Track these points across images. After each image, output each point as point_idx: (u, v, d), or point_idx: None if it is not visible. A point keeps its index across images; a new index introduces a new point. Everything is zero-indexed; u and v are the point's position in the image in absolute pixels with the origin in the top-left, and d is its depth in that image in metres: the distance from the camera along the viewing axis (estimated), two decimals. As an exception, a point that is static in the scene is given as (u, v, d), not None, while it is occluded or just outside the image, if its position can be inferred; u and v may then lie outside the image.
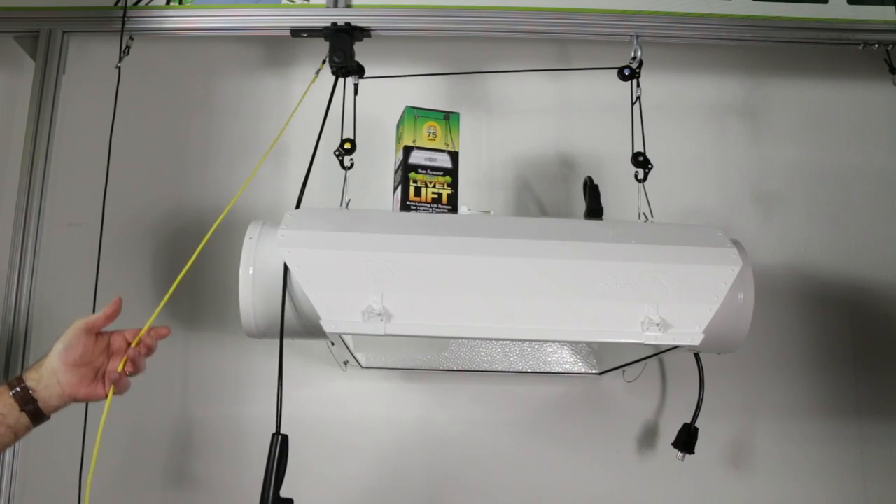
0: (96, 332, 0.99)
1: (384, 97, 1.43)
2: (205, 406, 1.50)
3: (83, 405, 1.33)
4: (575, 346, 1.49)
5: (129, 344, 1.01)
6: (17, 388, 0.95)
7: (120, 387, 0.99)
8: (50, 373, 0.96)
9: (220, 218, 1.17)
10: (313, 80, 1.39)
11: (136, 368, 1.00)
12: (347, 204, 1.32)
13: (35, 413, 0.95)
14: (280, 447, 1.06)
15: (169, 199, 1.58)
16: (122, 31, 1.45)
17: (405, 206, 1.23)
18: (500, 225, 1.19)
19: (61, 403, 0.97)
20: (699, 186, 1.64)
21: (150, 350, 1.02)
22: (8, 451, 1.28)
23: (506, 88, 1.65)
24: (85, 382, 0.97)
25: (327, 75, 1.37)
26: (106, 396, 0.98)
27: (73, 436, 1.34)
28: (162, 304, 1.06)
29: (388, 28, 1.46)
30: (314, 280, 1.04)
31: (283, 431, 1.06)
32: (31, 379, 0.95)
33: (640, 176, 1.36)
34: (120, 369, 0.98)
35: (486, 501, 1.49)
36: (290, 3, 1.48)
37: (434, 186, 1.25)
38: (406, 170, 1.24)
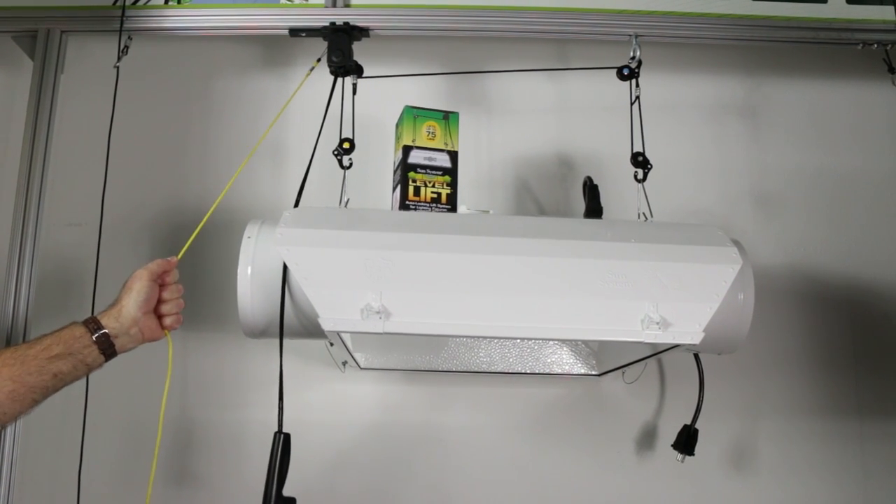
0: (157, 280, 1.10)
1: (383, 97, 1.43)
2: (204, 405, 1.50)
3: (81, 404, 1.34)
4: (574, 346, 1.49)
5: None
6: (99, 333, 1.03)
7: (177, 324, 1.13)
8: (131, 322, 1.06)
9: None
10: (307, 76, 1.39)
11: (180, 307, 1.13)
12: (346, 203, 1.32)
13: (111, 355, 1.05)
14: (282, 445, 1.06)
15: (167, 198, 1.58)
16: (120, 31, 1.45)
17: (404, 206, 1.22)
18: (498, 224, 1.19)
19: (136, 346, 1.08)
20: (699, 186, 1.64)
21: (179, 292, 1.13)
22: (8, 448, 1.29)
23: (505, 88, 1.64)
24: (158, 325, 1.10)
25: (325, 75, 1.37)
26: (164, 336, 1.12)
27: (71, 434, 1.34)
28: (188, 244, 1.14)
29: (386, 27, 1.46)
30: (312, 278, 1.04)
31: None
32: (111, 327, 1.04)
33: (640, 176, 1.36)
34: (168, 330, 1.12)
35: (485, 502, 1.49)
36: (288, 2, 1.48)
37: (433, 186, 1.24)
38: (405, 169, 1.24)
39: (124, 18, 1.45)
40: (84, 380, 1.32)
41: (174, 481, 1.47)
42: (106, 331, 1.04)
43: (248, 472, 1.44)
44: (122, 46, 1.45)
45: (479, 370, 1.50)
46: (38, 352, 1.00)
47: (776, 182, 1.65)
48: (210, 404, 1.50)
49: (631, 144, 1.37)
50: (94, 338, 1.03)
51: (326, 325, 1.01)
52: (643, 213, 1.33)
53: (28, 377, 0.98)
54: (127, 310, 1.05)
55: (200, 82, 1.64)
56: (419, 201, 1.23)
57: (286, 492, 1.05)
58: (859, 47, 1.50)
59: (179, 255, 1.13)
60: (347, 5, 1.46)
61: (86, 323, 1.04)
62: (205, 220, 1.17)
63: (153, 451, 1.46)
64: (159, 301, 1.10)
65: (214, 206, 1.19)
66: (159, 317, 1.11)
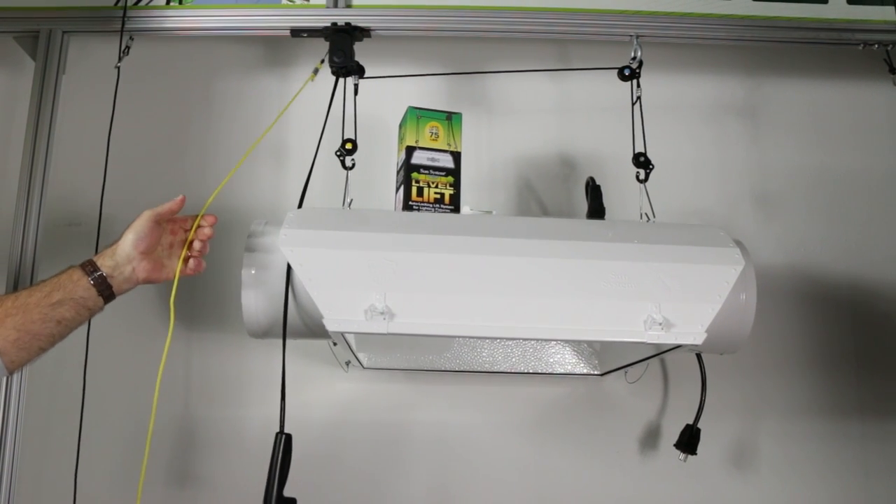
0: (161, 223, 1.10)
1: (385, 97, 1.43)
2: (206, 406, 1.50)
3: (78, 407, 1.34)
4: (577, 346, 1.49)
5: (185, 231, 1.14)
6: (96, 275, 1.04)
7: (199, 267, 1.13)
8: (125, 261, 1.06)
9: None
10: (310, 79, 1.39)
11: (203, 251, 1.13)
12: (349, 204, 1.32)
13: (109, 297, 1.06)
14: (284, 446, 1.06)
15: (168, 198, 1.55)
16: (121, 31, 1.45)
17: (407, 206, 1.22)
18: (502, 224, 1.19)
19: (132, 287, 1.08)
20: (699, 187, 1.64)
21: (209, 237, 1.14)
22: (8, 448, 1.29)
23: (506, 88, 1.64)
24: (157, 268, 1.09)
25: (327, 75, 1.37)
26: (170, 278, 1.11)
27: (69, 434, 1.34)
28: (214, 194, 1.18)
29: (388, 28, 1.46)
30: (317, 279, 1.04)
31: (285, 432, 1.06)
32: (107, 266, 1.05)
33: (642, 176, 1.36)
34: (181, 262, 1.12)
35: (487, 502, 1.49)
36: (289, 2, 1.48)
37: (436, 186, 1.24)
38: (408, 170, 1.24)
39: (126, 19, 1.45)
40: (82, 379, 1.34)
41: (176, 481, 1.47)
42: (102, 272, 1.04)
43: (251, 471, 1.43)
44: (123, 47, 1.45)
45: (482, 370, 1.51)
46: (39, 299, 1.00)
47: (776, 182, 1.65)
48: (212, 404, 1.50)
49: (633, 145, 1.37)
50: (90, 280, 1.03)
51: (331, 326, 1.02)
52: (645, 214, 1.34)
53: (32, 325, 0.99)
54: (122, 247, 1.06)
55: (201, 83, 1.64)
56: (422, 202, 1.23)
57: (289, 492, 1.05)
58: (860, 48, 1.50)
59: (202, 212, 1.16)
60: (349, 6, 1.47)
61: (83, 266, 1.05)
62: (223, 183, 1.21)
63: (156, 452, 1.47)
64: (184, 247, 1.12)
65: (219, 189, 1.21)
66: (184, 260, 1.12)
